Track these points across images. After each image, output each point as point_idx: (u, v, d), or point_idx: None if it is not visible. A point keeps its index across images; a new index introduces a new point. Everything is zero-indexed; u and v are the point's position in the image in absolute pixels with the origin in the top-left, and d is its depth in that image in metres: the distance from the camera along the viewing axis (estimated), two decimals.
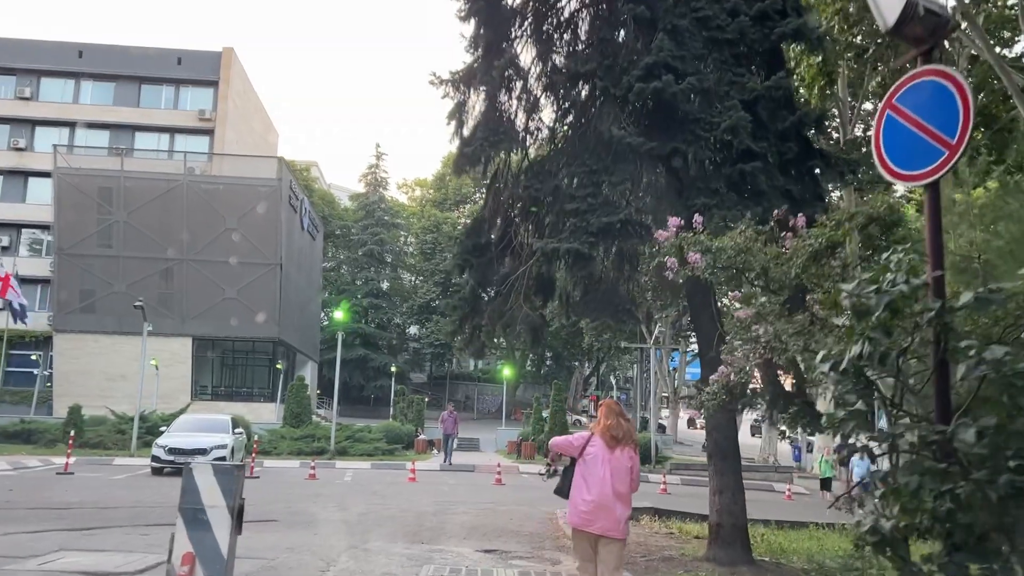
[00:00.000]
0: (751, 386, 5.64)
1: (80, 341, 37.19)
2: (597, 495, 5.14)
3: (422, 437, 30.16)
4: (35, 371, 38.02)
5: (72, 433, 20.13)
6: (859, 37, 19.14)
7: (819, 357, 3.48)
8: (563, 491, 5.43)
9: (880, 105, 4.08)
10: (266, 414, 36.88)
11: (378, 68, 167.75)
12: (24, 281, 43.88)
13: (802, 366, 4.38)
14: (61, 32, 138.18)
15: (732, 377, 5.59)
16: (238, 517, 5.26)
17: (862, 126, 22.80)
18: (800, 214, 5.21)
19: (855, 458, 12.03)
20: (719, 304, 8.82)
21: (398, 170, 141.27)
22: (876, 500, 3.32)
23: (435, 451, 30.08)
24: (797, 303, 5.10)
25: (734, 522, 8.51)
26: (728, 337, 5.20)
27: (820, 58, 17.83)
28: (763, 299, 4.95)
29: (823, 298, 4.63)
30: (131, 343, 33.74)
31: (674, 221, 5.01)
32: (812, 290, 5.00)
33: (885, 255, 3.20)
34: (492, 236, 9.41)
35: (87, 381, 36.25)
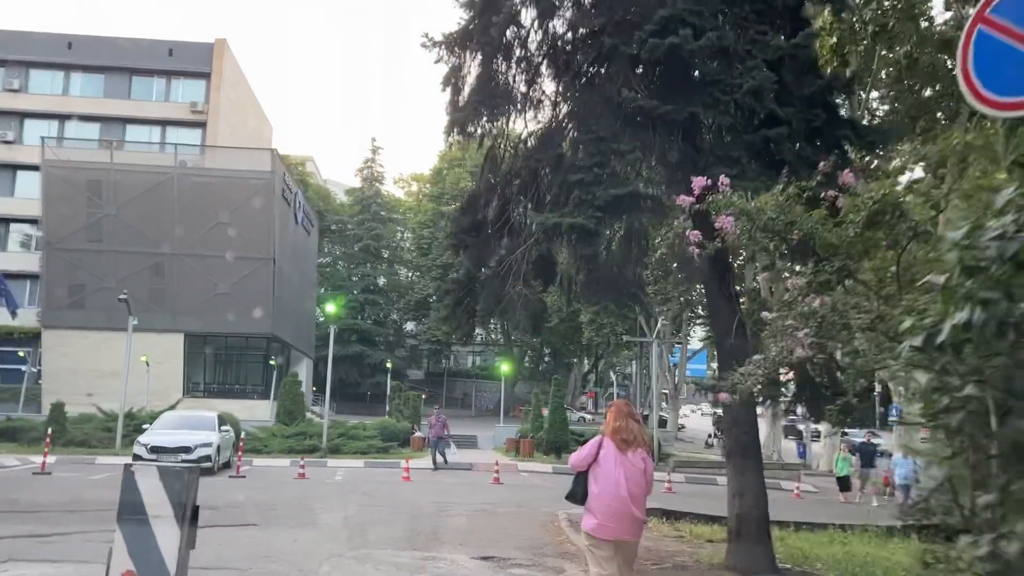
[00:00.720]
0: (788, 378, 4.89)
1: (69, 337, 36.36)
2: (613, 500, 4.97)
3: (418, 434, 29.36)
4: (23, 368, 37.13)
5: (50, 431, 19.27)
6: (869, 23, 18.35)
7: (905, 325, 2.68)
8: (575, 496, 5.23)
9: (968, 23, 3.29)
10: (260, 411, 36.06)
11: (374, 63, 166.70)
12: (13, 277, 42.99)
13: (861, 349, 3.59)
14: (50, 23, 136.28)
15: (771, 362, 4.82)
16: (190, 527, 4.46)
17: (869, 116, 22.04)
18: (847, 170, 4.45)
19: (897, 456, 11.15)
20: (737, 289, 8.04)
21: (394, 165, 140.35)
22: (985, 515, 2.55)
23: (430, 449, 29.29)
24: (842, 275, 4.33)
25: (756, 527, 7.73)
26: (772, 315, 4.42)
27: (834, 39, 17.05)
28: (806, 273, 4.18)
29: (878, 264, 3.83)
30: (121, 339, 32.75)
31: (699, 181, 4.22)
32: (863, 259, 4.20)
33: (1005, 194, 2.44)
34: (489, 214, 8.63)
35: (76, 378, 35.40)
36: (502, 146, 8.62)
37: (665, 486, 19.29)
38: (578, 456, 5.28)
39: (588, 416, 52.05)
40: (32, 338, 39.75)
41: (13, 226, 43.88)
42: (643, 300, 7.50)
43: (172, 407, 29.12)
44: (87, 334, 35.98)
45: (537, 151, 7.97)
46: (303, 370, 45.69)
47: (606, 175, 7.02)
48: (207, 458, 16.91)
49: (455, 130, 8.31)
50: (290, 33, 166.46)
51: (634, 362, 66.86)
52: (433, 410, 24.86)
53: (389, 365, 48.93)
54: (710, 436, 44.49)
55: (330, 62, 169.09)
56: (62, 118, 43.98)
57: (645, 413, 50.20)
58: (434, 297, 55.12)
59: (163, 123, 44.91)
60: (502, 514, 12.54)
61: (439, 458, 22.85)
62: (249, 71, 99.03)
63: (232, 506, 11.95)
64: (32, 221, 41.14)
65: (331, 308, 26.37)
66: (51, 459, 20.70)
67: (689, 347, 48.62)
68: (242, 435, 19.25)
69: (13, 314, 29.54)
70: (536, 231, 7.41)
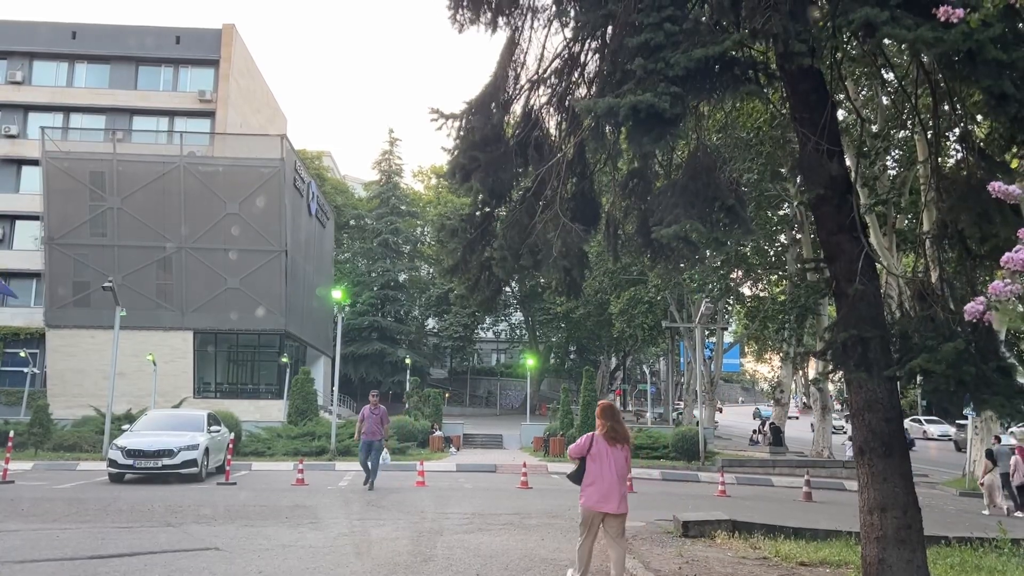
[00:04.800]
0: None
1: (75, 337, 34.68)
2: (606, 482, 6.30)
3: (438, 434, 27.16)
4: (25, 370, 35.48)
5: (12, 435, 17.28)
6: None
7: None
8: (575, 478, 6.62)
9: None
10: (274, 412, 34.22)
11: (391, 55, 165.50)
12: (20, 275, 41.58)
13: None
14: (54, 12, 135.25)
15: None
16: None
17: None
18: None
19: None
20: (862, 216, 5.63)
21: (414, 158, 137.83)
22: None
23: (453, 449, 27.08)
24: None
25: (908, 556, 5.30)
26: None
27: None
28: None
29: None
30: (131, 338, 31.17)
31: None
32: None
33: None
34: (508, 122, 6.30)
35: (83, 379, 33.77)
36: (526, 30, 6.28)
37: (719, 489, 16.82)
38: (575, 447, 6.62)
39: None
40: (39, 339, 38.17)
41: (19, 223, 42.29)
42: (742, 215, 5.12)
43: (176, 406, 27.34)
44: (94, 333, 34.17)
45: (580, 22, 5.56)
46: (320, 369, 43.76)
47: (684, 31, 4.67)
48: (192, 462, 14.79)
49: (460, 6, 5.99)
50: (304, 25, 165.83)
51: (662, 358, 64.26)
52: (371, 396, 15.30)
53: (408, 361, 46.78)
54: (754, 432, 41.86)
55: (347, 55, 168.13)
56: (67, 110, 42.42)
57: (678, 409, 47.68)
58: (455, 292, 52.26)
59: (171, 113, 43.11)
60: (533, 528, 10.19)
61: (371, 468, 14.44)
62: (262, 62, 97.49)
63: (199, 521, 9.74)
64: (38, 217, 39.50)
65: (337, 295, 24.11)
66: (28, 465, 18.94)
67: (726, 340, 45.89)
68: (231, 436, 17.07)
69: (2, 300, 27.74)
70: (583, 118, 5.01)
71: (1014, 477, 16.76)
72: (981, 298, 3.03)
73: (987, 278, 5.76)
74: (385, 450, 15.06)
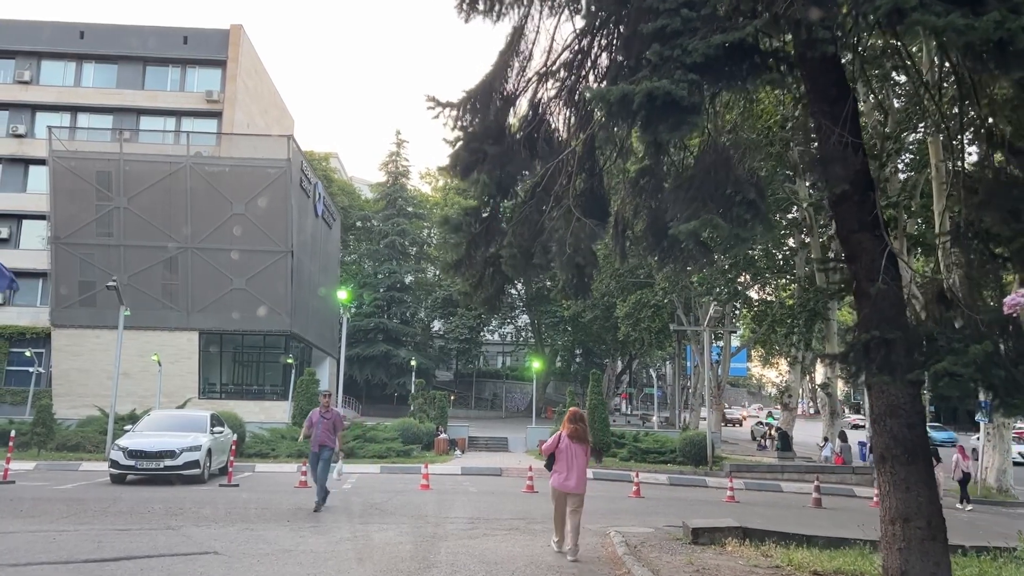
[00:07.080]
0: None
1: (80, 337, 34.68)
2: (568, 469, 8.16)
3: (443, 436, 26.96)
4: (31, 369, 35.43)
5: (13, 434, 17.14)
6: None
7: None
8: (548, 466, 8.43)
9: None
10: (279, 413, 34.09)
11: (400, 57, 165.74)
12: (27, 275, 41.59)
13: None
14: (62, 12, 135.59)
15: None
16: None
17: None
18: None
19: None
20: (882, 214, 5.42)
21: (421, 160, 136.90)
22: None
23: (458, 452, 26.88)
24: None
25: (934, 572, 5.06)
26: None
27: None
28: None
29: None
30: (136, 338, 31.17)
31: None
32: None
33: None
34: (513, 115, 6.10)
35: (88, 379, 33.73)
36: (535, 18, 6.08)
37: (727, 494, 16.56)
38: (546, 446, 8.49)
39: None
40: (44, 338, 38.14)
41: (25, 223, 42.29)
42: (762, 209, 4.93)
43: (181, 407, 27.22)
44: (99, 333, 34.16)
45: (593, 8, 5.35)
46: (325, 370, 43.63)
47: (702, 18, 4.48)
48: (194, 463, 14.64)
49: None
50: (312, 26, 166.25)
51: (668, 362, 63.91)
52: (320, 395, 13.12)
53: (413, 363, 46.55)
54: (762, 438, 41.54)
55: (355, 57, 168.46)
56: (74, 110, 42.49)
57: (686, 416, 47.34)
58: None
59: (178, 113, 43.13)
60: (539, 533, 9.99)
61: (319, 485, 11.72)
62: (270, 63, 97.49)
63: (200, 524, 9.57)
64: (45, 217, 39.50)
65: (342, 295, 23.92)
66: (30, 465, 18.82)
67: (734, 344, 45.52)
68: (234, 437, 16.89)
69: (8, 291, 27.52)
70: (595, 107, 4.82)
71: (954, 473, 18.16)
72: (1022, 290, 2.83)
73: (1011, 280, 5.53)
74: (341, 461, 11.99)
